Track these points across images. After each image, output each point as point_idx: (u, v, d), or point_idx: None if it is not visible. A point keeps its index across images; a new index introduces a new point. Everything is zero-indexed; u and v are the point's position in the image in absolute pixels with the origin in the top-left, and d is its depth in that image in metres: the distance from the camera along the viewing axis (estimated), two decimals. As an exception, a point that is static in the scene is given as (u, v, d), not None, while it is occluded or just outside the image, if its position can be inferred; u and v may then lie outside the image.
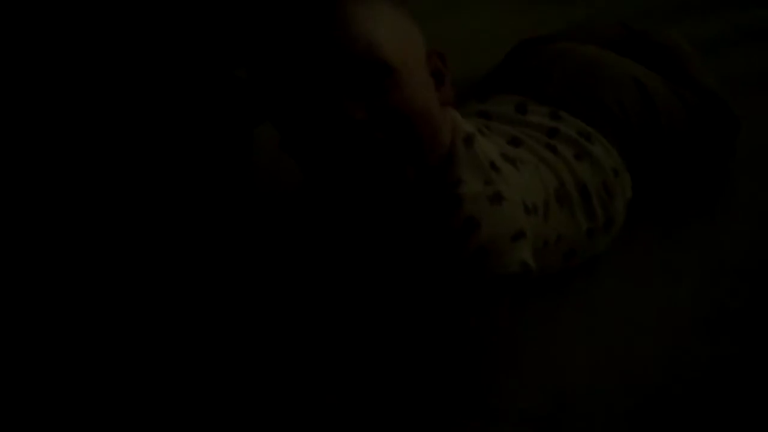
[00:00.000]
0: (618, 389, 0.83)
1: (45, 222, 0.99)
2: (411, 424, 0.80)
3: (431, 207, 0.79)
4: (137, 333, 0.89)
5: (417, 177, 0.78)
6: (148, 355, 0.87)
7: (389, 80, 0.75)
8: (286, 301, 0.93)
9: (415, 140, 0.77)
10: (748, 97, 1.19)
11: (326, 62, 0.74)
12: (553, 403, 0.82)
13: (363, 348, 0.87)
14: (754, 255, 0.99)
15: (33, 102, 1.04)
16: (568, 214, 0.90)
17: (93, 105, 1.05)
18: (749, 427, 0.80)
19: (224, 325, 0.91)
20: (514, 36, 1.29)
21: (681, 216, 1.05)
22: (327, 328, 0.89)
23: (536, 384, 0.84)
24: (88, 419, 0.80)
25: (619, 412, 0.81)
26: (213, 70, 1.08)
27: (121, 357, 0.86)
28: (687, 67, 1.11)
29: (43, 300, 0.91)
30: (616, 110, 0.99)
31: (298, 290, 0.93)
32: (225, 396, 0.83)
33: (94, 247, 0.97)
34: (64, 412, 0.80)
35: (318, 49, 0.74)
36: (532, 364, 0.86)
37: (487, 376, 0.85)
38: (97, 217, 1.00)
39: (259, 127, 1.08)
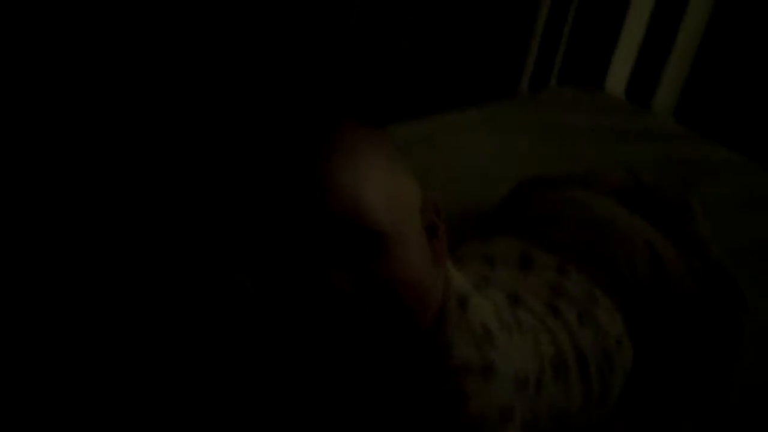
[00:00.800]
0: None
1: (45, 222, 0.96)
2: None
3: (419, 373, 0.71)
4: (137, 333, 0.85)
5: (404, 347, 0.70)
6: (148, 355, 0.83)
7: (377, 249, 0.67)
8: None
9: (403, 311, 0.69)
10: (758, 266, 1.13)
11: (308, 229, 0.66)
12: None
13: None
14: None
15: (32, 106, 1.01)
16: (563, 387, 0.82)
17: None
18: None
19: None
20: (520, 170, 1.24)
21: (681, 399, 0.96)
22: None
23: None
24: (88, 419, 0.78)
25: None
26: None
27: (121, 357, 0.83)
28: (695, 233, 1.05)
29: (43, 300, 0.88)
30: (627, 273, 0.92)
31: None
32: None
33: (95, 247, 0.94)
34: (64, 412, 0.78)
35: (298, 215, 0.66)
36: None
37: None
38: (97, 217, 0.98)
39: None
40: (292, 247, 0.67)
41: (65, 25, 1.06)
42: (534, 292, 0.87)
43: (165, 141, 1.18)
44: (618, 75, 1.86)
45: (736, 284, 1.00)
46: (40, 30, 1.04)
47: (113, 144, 1.12)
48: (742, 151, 1.54)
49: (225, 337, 0.89)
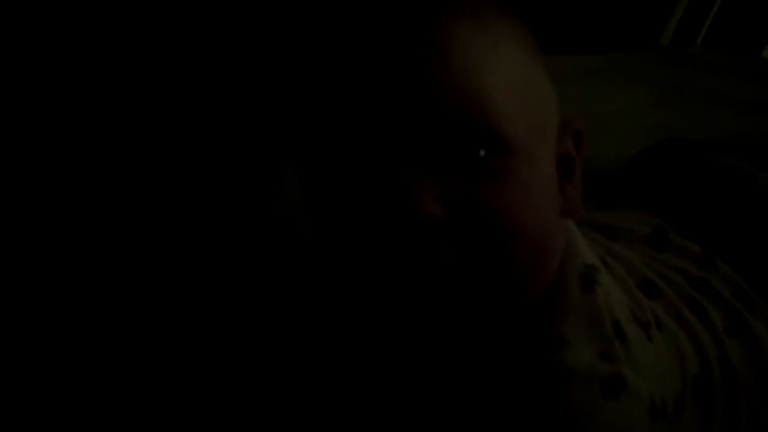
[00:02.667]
0: None
1: (45, 222, 0.89)
2: None
3: (515, 368, 0.50)
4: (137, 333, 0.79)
5: (501, 324, 0.49)
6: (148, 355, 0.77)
7: (494, 163, 0.47)
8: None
9: (508, 268, 0.48)
10: None
11: (399, 108, 0.46)
12: None
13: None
14: None
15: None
16: (700, 418, 0.60)
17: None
18: None
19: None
20: (653, 132, 1.01)
21: None
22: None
23: None
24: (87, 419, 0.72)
25: None
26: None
27: (121, 357, 0.77)
28: None
29: (42, 300, 0.82)
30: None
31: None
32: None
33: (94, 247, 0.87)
34: (64, 412, 0.73)
35: (391, 85, 0.46)
36: None
37: None
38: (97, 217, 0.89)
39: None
40: (367, 128, 0.47)
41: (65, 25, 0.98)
42: (671, 282, 0.65)
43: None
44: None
45: None
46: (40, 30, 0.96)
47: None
48: None
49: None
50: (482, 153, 0.47)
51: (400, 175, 0.46)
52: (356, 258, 0.49)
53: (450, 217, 0.46)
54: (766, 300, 0.68)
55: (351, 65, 0.48)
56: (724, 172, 0.79)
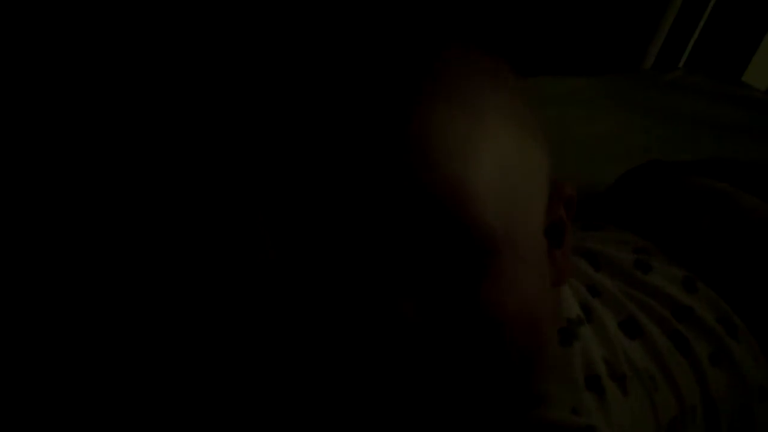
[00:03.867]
0: None
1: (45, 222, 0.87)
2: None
3: (494, 424, 0.49)
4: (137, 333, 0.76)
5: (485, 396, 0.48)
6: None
7: (481, 266, 0.44)
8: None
9: (500, 354, 0.46)
10: None
11: (377, 208, 0.43)
12: None
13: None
14: None
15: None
16: None
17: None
18: None
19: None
20: (637, 155, 1.01)
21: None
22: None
23: None
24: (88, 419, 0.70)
25: None
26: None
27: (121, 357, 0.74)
28: None
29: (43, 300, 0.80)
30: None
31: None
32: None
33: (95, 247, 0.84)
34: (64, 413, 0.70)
35: (366, 182, 0.43)
36: None
37: None
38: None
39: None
40: (338, 230, 0.43)
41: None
42: (653, 313, 0.64)
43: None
44: (758, 73, 1.60)
45: None
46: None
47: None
48: None
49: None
50: (468, 256, 0.44)
51: (380, 281, 0.43)
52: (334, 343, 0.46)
53: (436, 324, 0.44)
54: (748, 322, 0.67)
55: (326, 159, 0.44)
56: (707, 193, 0.78)
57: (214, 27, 1.05)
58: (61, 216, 0.88)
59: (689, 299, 0.66)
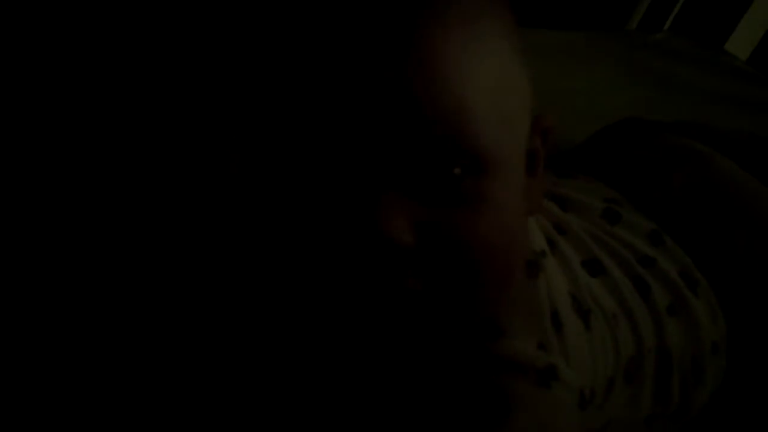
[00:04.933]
0: None
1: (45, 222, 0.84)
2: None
3: (458, 362, 0.49)
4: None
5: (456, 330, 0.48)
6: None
7: (471, 185, 0.44)
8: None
9: (477, 295, 0.46)
10: None
11: (377, 121, 0.42)
12: None
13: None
14: None
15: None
16: (632, 395, 0.61)
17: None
18: None
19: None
20: (616, 112, 1.01)
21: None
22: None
23: None
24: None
25: None
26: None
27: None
28: None
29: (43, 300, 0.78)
30: (742, 260, 0.70)
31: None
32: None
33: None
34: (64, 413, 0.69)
35: (368, 96, 0.42)
36: None
37: None
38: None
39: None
40: (334, 149, 0.42)
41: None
42: (618, 257, 0.65)
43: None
44: (740, 40, 1.60)
45: None
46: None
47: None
48: None
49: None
50: (457, 171, 0.43)
51: (370, 196, 0.42)
52: (305, 276, 0.45)
53: (420, 245, 0.43)
54: (710, 279, 0.68)
55: (324, 67, 0.43)
56: (685, 151, 0.79)
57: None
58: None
59: (653, 251, 0.67)
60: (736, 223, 0.71)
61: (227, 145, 0.53)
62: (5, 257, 0.81)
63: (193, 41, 0.82)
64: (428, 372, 0.50)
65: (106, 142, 0.87)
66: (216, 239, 0.74)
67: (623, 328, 0.60)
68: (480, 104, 0.44)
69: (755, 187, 0.76)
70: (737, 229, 0.71)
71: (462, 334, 0.49)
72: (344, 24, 0.43)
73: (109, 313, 0.78)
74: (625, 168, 0.78)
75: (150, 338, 0.74)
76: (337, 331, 0.49)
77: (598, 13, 1.52)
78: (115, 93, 0.89)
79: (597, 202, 0.71)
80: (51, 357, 0.75)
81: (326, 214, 0.44)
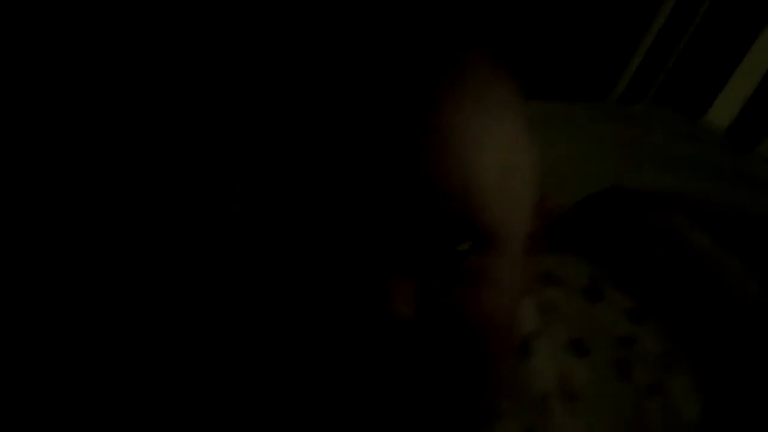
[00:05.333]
0: None
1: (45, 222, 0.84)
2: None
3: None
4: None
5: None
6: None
7: (476, 261, 0.44)
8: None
9: (476, 369, 0.45)
10: None
11: (387, 196, 0.41)
12: None
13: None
14: None
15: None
16: None
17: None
18: None
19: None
20: (599, 181, 1.02)
21: None
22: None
23: None
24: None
25: None
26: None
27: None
28: None
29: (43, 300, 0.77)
30: (719, 339, 0.70)
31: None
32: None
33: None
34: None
35: (380, 171, 0.41)
36: None
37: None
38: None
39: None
40: (342, 229, 0.42)
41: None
42: (600, 338, 0.65)
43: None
44: (722, 111, 1.63)
45: None
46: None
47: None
48: None
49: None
50: (465, 247, 0.43)
51: (377, 271, 0.42)
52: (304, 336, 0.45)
53: (420, 320, 0.42)
54: (689, 358, 0.68)
55: (336, 145, 0.42)
56: (662, 226, 0.79)
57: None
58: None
59: (634, 329, 0.67)
60: (710, 301, 0.71)
61: (231, 178, 0.52)
62: (5, 257, 0.81)
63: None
64: None
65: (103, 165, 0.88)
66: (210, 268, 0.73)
67: (605, 410, 0.59)
68: (490, 181, 0.44)
69: (731, 265, 0.77)
70: (711, 306, 0.71)
71: (452, 414, 0.48)
72: (358, 100, 0.43)
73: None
74: (606, 242, 0.78)
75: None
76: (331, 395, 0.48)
77: (582, 85, 1.55)
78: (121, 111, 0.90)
79: (579, 278, 0.71)
80: (51, 357, 0.73)
81: (327, 280, 0.43)
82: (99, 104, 0.91)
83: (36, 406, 0.69)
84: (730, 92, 1.61)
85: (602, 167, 1.20)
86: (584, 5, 1.46)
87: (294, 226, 0.44)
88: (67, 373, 0.72)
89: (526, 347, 0.53)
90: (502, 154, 0.46)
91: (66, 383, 0.71)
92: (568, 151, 1.21)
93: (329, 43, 0.47)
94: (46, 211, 0.86)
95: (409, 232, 0.42)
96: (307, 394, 0.49)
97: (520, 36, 1.41)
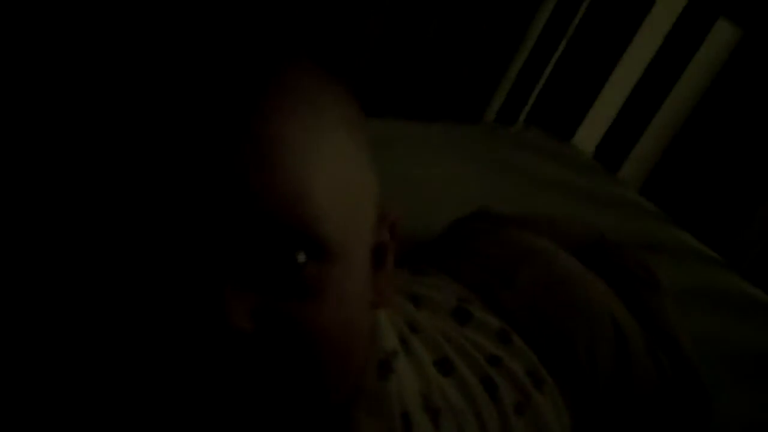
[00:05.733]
0: None
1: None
2: None
3: None
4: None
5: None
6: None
7: (313, 272, 0.43)
8: None
9: (316, 380, 0.45)
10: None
11: (213, 211, 0.41)
12: None
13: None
14: None
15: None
16: None
17: None
18: None
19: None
20: (472, 201, 1.04)
21: None
22: None
23: None
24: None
25: None
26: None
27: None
28: (663, 316, 0.86)
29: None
30: (584, 357, 0.72)
31: None
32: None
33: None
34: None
35: (203, 186, 0.41)
36: None
37: None
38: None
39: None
40: (172, 242, 0.41)
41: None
42: (467, 357, 0.66)
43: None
44: (588, 132, 1.70)
45: (706, 392, 0.81)
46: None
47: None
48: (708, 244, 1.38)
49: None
50: (302, 258, 0.43)
51: (212, 286, 0.41)
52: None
53: (260, 331, 0.42)
54: (555, 377, 0.70)
55: (157, 161, 0.42)
56: (528, 248, 0.82)
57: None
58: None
59: (501, 350, 0.68)
60: (575, 324, 0.74)
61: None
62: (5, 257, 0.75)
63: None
64: None
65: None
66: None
67: (471, 428, 0.60)
68: (321, 191, 0.44)
69: (593, 284, 0.80)
70: (576, 329, 0.73)
71: (297, 425, 0.47)
72: (182, 121, 0.42)
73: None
74: (474, 265, 0.80)
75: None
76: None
77: (455, 106, 1.58)
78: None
79: (449, 300, 0.72)
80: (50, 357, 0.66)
81: (176, 304, 0.42)
82: None
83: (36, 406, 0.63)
84: (596, 115, 1.68)
85: (476, 188, 1.23)
86: (458, 29, 1.49)
87: (148, 263, 0.43)
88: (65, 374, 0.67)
89: (387, 366, 0.53)
90: (334, 167, 0.46)
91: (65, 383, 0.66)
92: (443, 172, 1.23)
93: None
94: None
95: (244, 245, 0.42)
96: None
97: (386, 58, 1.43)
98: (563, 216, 1.08)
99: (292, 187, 0.43)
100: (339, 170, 0.46)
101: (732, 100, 1.67)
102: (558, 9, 1.59)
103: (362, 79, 1.34)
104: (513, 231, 0.86)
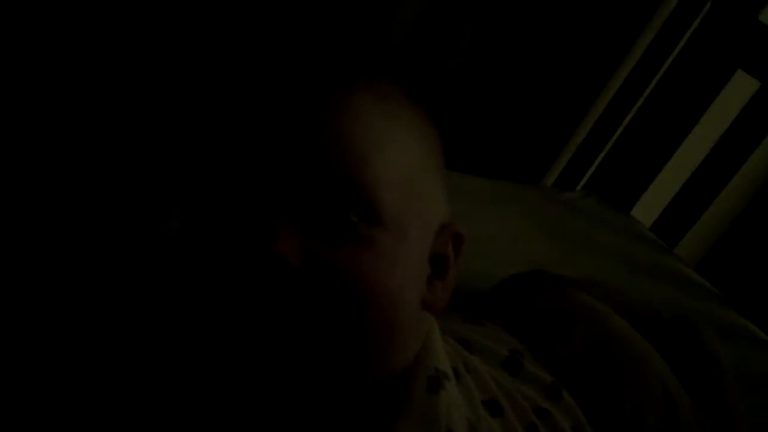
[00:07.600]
0: None
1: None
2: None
3: None
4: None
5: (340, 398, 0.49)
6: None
7: (363, 230, 0.48)
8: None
9: (355, 332, 0.48)
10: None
11: (286, 158, 0.49)
12: None
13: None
14: None
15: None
16: None
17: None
18: None
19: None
20: (528, 264, 1.04)
21: None
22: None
23: None
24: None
25: None
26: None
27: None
28: (725, 400, 0.85)
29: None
30: (632, 420, 0.72)
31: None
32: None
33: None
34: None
35: (284, 137, 0.50)
36: None
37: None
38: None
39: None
40: (250, 184, 0.49)
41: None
42: (517, 405, 0.66)
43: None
44: (646, 206, 1.69)
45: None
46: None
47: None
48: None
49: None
50: (354, 219, 0.48)
51: (268, 220, 0.47)
52: (209, 293, 0.49)
53: (306, 269, 0.46)
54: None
55: (254, 118, 0.51)
56: (584, 307, 0.82)
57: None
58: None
59: (550, 404, 0.68)
60: (626, 384, 0.74)
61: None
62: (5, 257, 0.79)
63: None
64: None
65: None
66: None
67: None
68: (383, 168, 0.50)
69: (647, 348, 0.79)
70: (626, 390, 0.73)
71: (332, 373, 0.49)
72: (282, 88, 0.54)
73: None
74: (529, 319, 0.80)
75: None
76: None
77: (515, 166, 1.59)
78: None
79: (501, 350, 0.72)
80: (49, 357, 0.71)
81: (237, 236, 0.49)
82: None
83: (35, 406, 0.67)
84: (657, 189, 1.67)
85: (531, 248, 1.23)
86: (529, 90, 1.52)
87: (215, 214, 0.51)
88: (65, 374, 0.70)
89: (437, 382, 0.54)
90: (400, 158, 0.52)
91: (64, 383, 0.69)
92: (499, 229, 1.24)
93: None
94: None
95: (305, 191, 0.48)
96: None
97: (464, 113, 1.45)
98: (615, 284, 1.08)
99: (357, 153, 0.50)
100: (403, 162, 0.53)
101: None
102: (628, 81, 1.60)
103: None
104: (570, 290, 0.87)
